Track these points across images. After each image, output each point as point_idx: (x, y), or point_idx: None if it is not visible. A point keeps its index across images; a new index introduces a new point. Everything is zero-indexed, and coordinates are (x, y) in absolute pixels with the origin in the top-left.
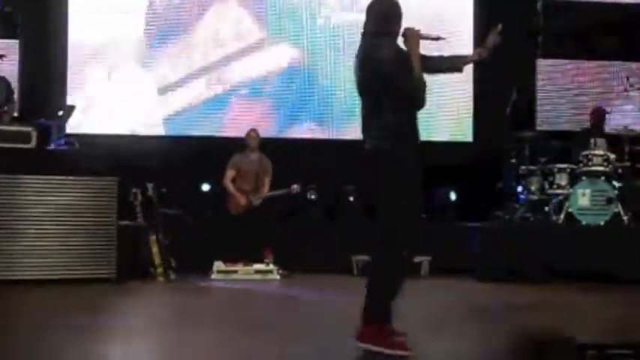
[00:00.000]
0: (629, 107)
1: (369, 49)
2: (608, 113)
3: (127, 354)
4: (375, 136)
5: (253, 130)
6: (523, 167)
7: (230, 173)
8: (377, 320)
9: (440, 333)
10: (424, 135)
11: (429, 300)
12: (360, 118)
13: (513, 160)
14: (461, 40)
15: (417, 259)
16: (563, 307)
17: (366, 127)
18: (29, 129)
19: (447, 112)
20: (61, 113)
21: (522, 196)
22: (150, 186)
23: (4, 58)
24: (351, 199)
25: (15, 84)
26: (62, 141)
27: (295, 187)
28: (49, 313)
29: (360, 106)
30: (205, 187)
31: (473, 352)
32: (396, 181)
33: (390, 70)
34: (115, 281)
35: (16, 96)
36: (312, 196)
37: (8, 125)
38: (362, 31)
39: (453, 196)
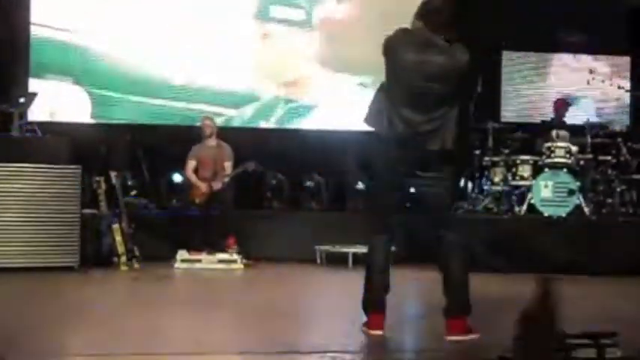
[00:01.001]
0: (592, 100)
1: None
2: (570, 105)
3: (87, 341)
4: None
5: (207, 118)
6: (487, 158)
7: (191, 163)
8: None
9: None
10: None
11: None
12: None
13: (477, 152)
14: None
15: None
16: (522, 297)
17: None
18: None
19: None
20: (22, 100)
21: (485, 187)
22: (113, 174)
23: None
24: (313, 186)
25: None
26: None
27: (250, 164)
28: (9, 300)
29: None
30: (177, 179)
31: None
32: None
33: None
34: (78, 270)
35: None
36: (274, 181)
37: None
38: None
39: None
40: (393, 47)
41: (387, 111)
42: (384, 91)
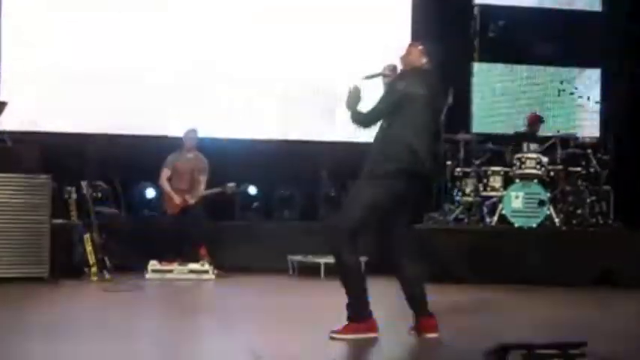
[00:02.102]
0: (562, 112)
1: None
2: (542, 122)
3: (53, 353)
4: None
5: (192, 130)
6: (458, 169)
7: (165, 172)
8: None
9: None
10: (359, 136)
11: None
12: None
13: (448, 162)
14: (398, 47)
15: None
16: (492, 307)
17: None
18: None
19: None
20: None
21: (457, 198)
22: (84, 184)
23: None
24: (284, 198)
25: None
26: None
27: (231, 185)
28: None
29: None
30: (150, 194)
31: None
32: None
33: None
34: (48, 280)
35: None
36: (251, 192)
37: None
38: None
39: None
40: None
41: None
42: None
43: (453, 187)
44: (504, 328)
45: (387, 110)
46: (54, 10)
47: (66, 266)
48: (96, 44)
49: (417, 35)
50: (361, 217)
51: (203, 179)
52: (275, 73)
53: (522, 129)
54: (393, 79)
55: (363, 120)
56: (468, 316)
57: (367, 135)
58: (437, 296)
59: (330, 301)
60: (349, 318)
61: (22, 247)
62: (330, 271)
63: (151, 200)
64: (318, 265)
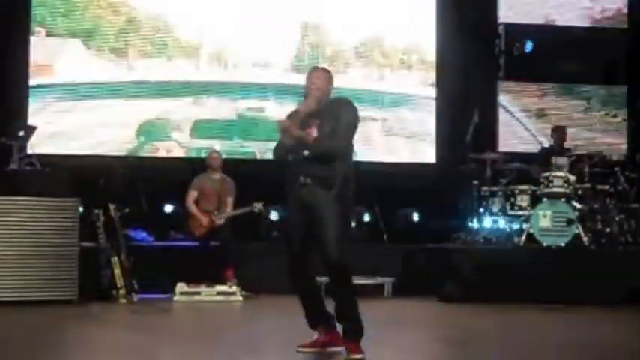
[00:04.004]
0: (588, 129)
1: None
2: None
3: None
4: None
5: (215, 151)
6: (485, 189)
7: (192, 194)
8: None
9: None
10: (386, 157)
11: (391, 321)
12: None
13: (475, 182)
14: (424, 64)
15: (380, 280)
16: (524, 328)
17: None
18: None
19: (410, 133)
20: (22, 134)
21: (484, 218)
22: (112, 207)
23: None
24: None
25: None
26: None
27: (258, 205)
28: (7, 334)
29: None
30: (168, 209)
31: None
32: None
33: None
34: (77, 303)
35: None
36: (272, 216)
37: None
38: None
39: (415, 217)
40: None
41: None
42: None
43: (480, 207)
44: (537, 350)
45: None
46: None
47: (94, 289)
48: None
49: (442, 57)
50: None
51: (230, 200)
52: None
53: (549, 143)
54: (349, 104)
55: (338, 150)
56: (501, 337)
57: (398, 156)
58: (467, 317)
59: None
60: (356, 334)
61: (51, 269)
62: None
63: (175, 217)
64: None
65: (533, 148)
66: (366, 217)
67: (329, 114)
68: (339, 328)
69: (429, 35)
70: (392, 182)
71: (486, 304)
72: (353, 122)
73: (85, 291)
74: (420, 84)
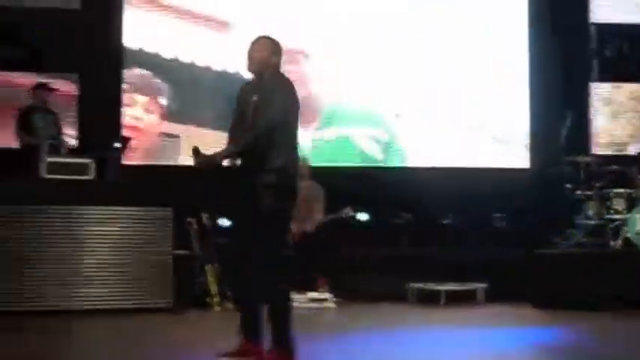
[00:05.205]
0: None
1: None
2: None
3: None
4: None
5: (304, 158)
6: (579, 192)
7: None
8: None
9: None
10: (478, 161)
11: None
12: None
13: (569, 186)
14: (514, 67)
15: (473, 287)
16: (623, 335)
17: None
18: (88, 161)
19: (503, 137)
20: (117, 145)
21: (579, 222)
22: (205, 216)
23: (57, 92)
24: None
25: (74, 116)
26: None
27: (347, 210)
28: (108, 341)
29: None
30: None
31: None
32: None
33: None
34: (173, 311)
35: (75, 128)
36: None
37: (67, 157)
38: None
39: (508, 222)
40: None
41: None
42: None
43: (575, 211)
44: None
45: None
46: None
47: (189, 297)
48: None
49: (535, 56)
50: None
51: (319, 207)
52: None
53: None
54: (284, 86)
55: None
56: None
57: (491, 160)
58: (565, 323)
59: (451, 328)
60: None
61: (146, 278)
62: (451, 298)
63: None
64: (439, 292)
65: (628, 150)
66: (458, 223)
67: (267, 90)
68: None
69: (521, 37)
70: (484, 186)
71: (581, 311)
72: (281, 109)
73: (180, 299)
74: (513, 87)
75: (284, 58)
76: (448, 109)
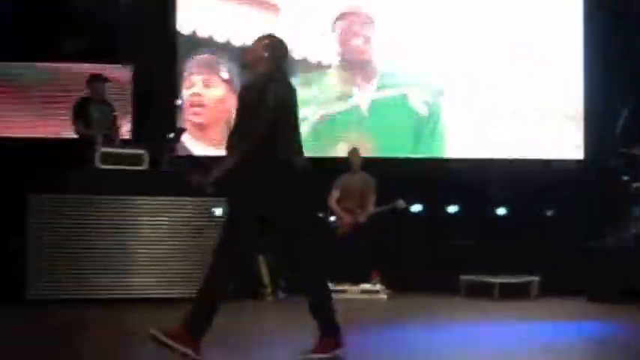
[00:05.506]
0: None
1: None
2: None
3: None
4: None
5: (355, 149)
6: (636, 184)
7: (335, 194)
8: None
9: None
10: (534, 153)
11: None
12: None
13: (626, 177)
14: (569, 59)
15: (526, 279)
16: None
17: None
18: (142, 151)
19: (557, 128)
20: (171, 135)
21: (636, 214)
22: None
23: (112, 82)
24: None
25: (129, 107)
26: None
27: (400, 202)
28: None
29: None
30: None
31: None
32: None
33: None
34: (227, 300)
35: (129, 118)
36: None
37: (121, 148)
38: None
39: (562, 214)
40: None
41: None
42: None
43: (631, 204)
44: None
45: None
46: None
47: (243, 287)
48: None
49: (590, 50)
50: None
51: (372, 199)
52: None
53: None
54: (269, 90)
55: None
56: None
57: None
58: (620, 317)
59: (504, 321)
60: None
61: (199, 268)
62: (504, 291)
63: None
64: (491, 285)
65: None
66: (511, 214)
67: (257, 90)
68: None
69: (577, 23)
70: (538, 178)
71: (637, 304)
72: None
73: (234, 289)
74: (568, 76)
75: (348, 20)
76: (502, 97)
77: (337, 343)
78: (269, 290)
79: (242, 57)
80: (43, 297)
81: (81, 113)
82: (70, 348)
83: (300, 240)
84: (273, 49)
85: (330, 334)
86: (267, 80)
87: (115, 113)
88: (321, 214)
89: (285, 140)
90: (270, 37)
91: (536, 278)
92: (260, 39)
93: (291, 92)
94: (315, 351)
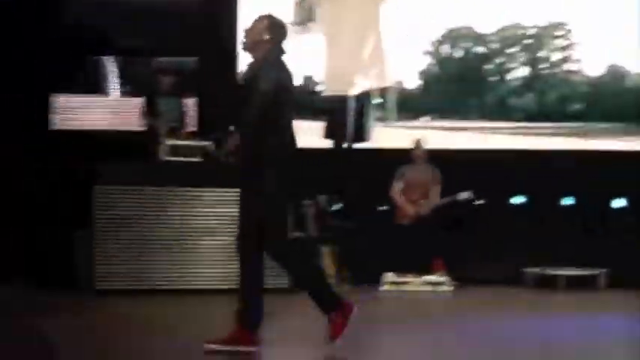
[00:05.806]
0: None
1: None
2: None
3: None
4: None
5: (420, 140)
6: None
7: (398, 185)
8: None
9: None
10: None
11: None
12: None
13: None
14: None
15: (593, 272)
16: None
17: None
18: (206, 143)
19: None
20: (232, 128)
21: None
22: (322, 198)
23: (179, 76)
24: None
25: (194, 100)
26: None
27: (464, 194)
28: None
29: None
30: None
31: None
32: None
33: None
34: (290, 291)
35: (194, 111)
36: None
37: (186, 140)
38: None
39: (629, 205)
40: None
41: None
42: None
43: None
44: None
45: None
46: None
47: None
48: None
49: None
50: None
51: (436, 190)
52: None
53: None
54: (264, 74)
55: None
56: None
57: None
58: None
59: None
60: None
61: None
62: (570, 284)
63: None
64: (556, 277)
65: None
66: (578, 206)
67: (255, 69)
68: None
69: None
70: (606, 169)
71: None
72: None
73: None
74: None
75: None
76: None
77: (345, 314)
78: (332, 282)
79: (243, 38)
80: (109, 287)
81: (148, 106)
82: (137, 337)
83: (281, 230)
84: (273, 30)
85: (335, 308)
86: (263, 65)
87: (183, 107)
88: (384, 207)
89: (276, 128)
90: (270, 18)
91: (603, 270)
92: (260, 19)
93: (286, 77)
94: (333, 335)
